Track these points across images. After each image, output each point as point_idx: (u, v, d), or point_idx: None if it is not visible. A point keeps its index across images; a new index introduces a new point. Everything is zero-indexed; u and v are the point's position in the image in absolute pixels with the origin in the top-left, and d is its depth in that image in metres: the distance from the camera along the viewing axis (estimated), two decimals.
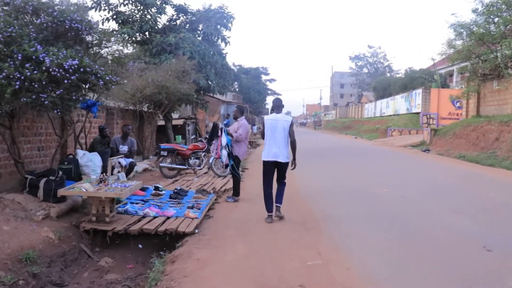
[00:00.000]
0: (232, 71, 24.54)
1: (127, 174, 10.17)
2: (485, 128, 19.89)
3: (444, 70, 42.99)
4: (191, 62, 16.77)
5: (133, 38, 20.38)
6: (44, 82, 6.35)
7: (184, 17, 21.35)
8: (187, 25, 21.27)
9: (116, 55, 8.44)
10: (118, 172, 8.44)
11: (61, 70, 6.44)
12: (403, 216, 7.94)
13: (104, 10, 19.56)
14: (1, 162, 8.74)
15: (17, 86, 6.21)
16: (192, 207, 7.96)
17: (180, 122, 23.48)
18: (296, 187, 10.86)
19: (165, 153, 12.88)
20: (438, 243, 6.27)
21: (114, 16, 19.59)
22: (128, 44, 20.21)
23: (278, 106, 7.68)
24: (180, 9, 20.86)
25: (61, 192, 6.67)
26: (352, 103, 72.71)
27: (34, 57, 6.45)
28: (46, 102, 6.43)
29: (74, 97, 6.95)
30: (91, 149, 10.20)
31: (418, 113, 35.84)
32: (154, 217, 7.29)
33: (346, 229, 7.00)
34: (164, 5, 20.19)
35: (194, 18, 21.21)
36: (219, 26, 21.17)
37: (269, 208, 7.45)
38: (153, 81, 14.94)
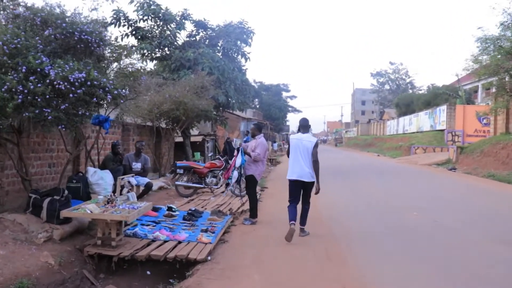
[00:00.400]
0: (252, 87, 24.09)
1: (142, 195, 9.72)
2: None
3: (468, 86, 42.02)
4: (209, 78, 16.37)
5: (152, 54, 20.16)
6: (47, 96, 5.95)
7: (204, 32, 21.05)
8: (207, 40, 20.97)
9: (129, 69, 7.98)
10: (128, 192, 7.95)
11: (66, 83, 6.04)
12: (440, 246, 7.17)
13: (124, 26, 19.40)
14: (9, 179, 8.38)
15: (19, 100, 5.83)
16: (206, 230, 7.44)
17: (199, 139, 23.10)
18: (319, 209, 10.25)
19: (181, 171, 12.41)
20: (490, 282, 5.52)
21: (133, 32, 19.40)
22: (147, 60, 20.08)
23: (304, 126, 7.75)
24: (200, 25, 20.58)
25: (64, 213, 6.21)
26: (373, 120, 71.76)
27: (39, 69, 6.07)
28: (49, 117, 6.01)
29: (80, 112, 6.51)
30: (102, 166, 9.79)
31: (442, 130, 34.90)
32: (165, 241, 6.78)
33: (373, 259, 6.36)
34: (183, 20, 19.95)
35: (214, 34, 20.91)
36: (239, 42, 20.83)
37: (292, 217, 7.35)
38: (171, 96, 14.57)
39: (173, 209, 8.99)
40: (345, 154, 42.23)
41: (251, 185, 8.79)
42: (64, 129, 6.59)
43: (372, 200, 11.87)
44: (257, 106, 59.79)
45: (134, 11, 19.07)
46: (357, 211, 10.26)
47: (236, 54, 21.22)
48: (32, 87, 5.83)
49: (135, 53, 19.18)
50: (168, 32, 19.68)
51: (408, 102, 50.10)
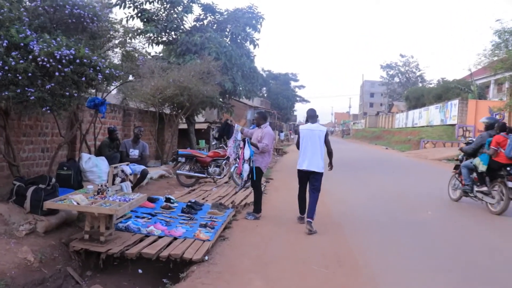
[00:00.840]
0: (260, 75, 23.36)
1: (138, 183, 9.14)
2: None
3: (480, 81, 41.06)
4: (216, 63, 15.71)
5: (159, 38, 19.52)
6: (30, 74, 5.33)
7: (212, 17, 20.35)
8: (215, 25, 20.27)
9: (127, 48, 7.35)
10: (122, 181, 7.36)
11: (51, 60, 5.42)
12: (462, 251, 6.49)
13: (129, 7, 18.75)
14: None
15: None
16: (205, 226, 6.85)
17: (204, 126, 22.53)
18: (328, 206, 9.67)
19: (183, 160, 11.83)
20: None
21: (139, 14, 18.75)
22: (153, 44, 19.45)
23: (312, 116, 7.78)
24: (208, 8, 19.86)
25: (47, 204, 5.61)
26: (382, 113, 70.88)
27: (22, 44, 5.45)
28: (32, 98, 5.40)
29: (68, 93, 5.87)
30: (98, 152, 9.22)
31: (453, 125, 34.07)
32: (159, 237, 6.20)
33: (390, 267, 5.73)
34: (191, 3, 19.24)
35: (222, 18, 20.22)
36: (247, 28, 20.13)
37: (301, 210, 7.77)
38: (175, 81, 13.94)
39: (172, 200, 8.42)
40: (353, 146, 41.45)
41: (256, 177, 8.19)
42: (49, 111, 5.97)
43: (384, 198, 11.22)
44: (265, 95, 59.07)
45: None
46: (368, 209, 9.62)
47: (244, 40, 20.54)
48: (13, 63, 5.22)
49: (140, 36, 18.73)
50: (175, 16, 19.01)
51: (418, 96, 49.19)
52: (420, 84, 68.50)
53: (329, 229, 7.62)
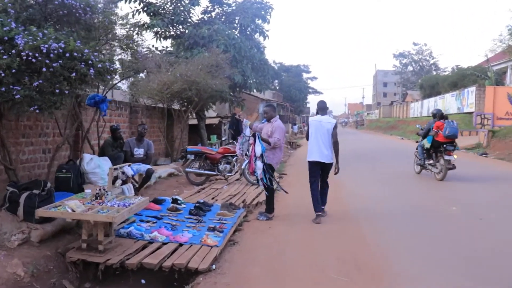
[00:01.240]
0: (271, 67, 22.75)
1: (143, 184, 8.68)
2: None
3: (496, 67, 39.88)
4: (224, 56, 15.19)
5: (166, 33, 19.06)
6: (14, 70, 4.87)
7: (220, 8, 19.82)
8: (223, 17, 19.75)
9: (125, 41, 6.86)
10: (122, 184, 6.90)
11: (37, 55, 4.95)
12: (498, 257, 5.84)
13: (135, 1, 18.30)
14: None
15: None
16: (213, 229, 6.37)
17: (216, 121, 22.05)
18: (345, 202, 9.17)
19: (192, 157, 11.36)
20: None
21: (145, 8, 18.29)
22: (161, 39, 19.00)
23: (322, 108, 7.80)
24: (215, 0, 19.32)
25: (39, 212, 5.17)
26: (396, 102, 69.77)
27: (7, 38, 4.99)
28: (18, 96, 4.94)
29: (57, 91, 5.39)
30: (101, 153, 8.78)
31: (470, 113, 33.09)
32: (164, 243, 5.74)
33: (417, 275, 5.17)
34: None
35: (230, 10, 19.68)
36: (257, 19, 19.55)
37: (317, 209, 7.52)
38: (182, 76, 13.46)
39: (179, 201, 7.96)
40: (367, 137, 40.68)
41: (268, 175, 7.68)
42: (39, 111, 5.51)
43: (404, 192, 10.67)
44: (277, 88, 58.39)
45: None
46: (387, 205, 9.07)
47: (254, 31, 20.00)
48: None
49: (147, 30, 18.28)
50: (181, 8, 18.50)
51: (433, 84, 48.07)
52: (434, 72, 67.16)
53: (346, 228, 7.12)
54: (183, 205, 7.85)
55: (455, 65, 58.41)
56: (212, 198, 9.00)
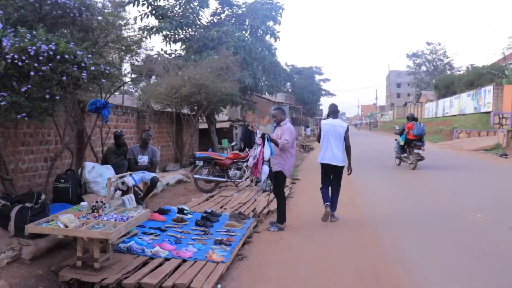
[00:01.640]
0: (282, 69, 22.18)
1: (148, 193, 8.27)
2: None
3: None
4: (234, 58, 14.76)
5: (176, 36, 18.71)
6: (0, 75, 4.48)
7: (229, 10, 19.41)
8: (233, 19, 19.34)
9: (125, 42, 6.44)
10: (122, 195, 6.48)
11: (24, 58, 4.55)
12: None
13: (143, 5, 17.98)
14: None
15: None
16: (220, 242, 5.93)
17: (227, 125, 21.62)
18: (361, 209, 8.72)
19: (200, 163, 10.94)
20: None
21: (153, 11, 17.96)
22: (170, 43, 18.66)
23: (334, 112, 7.96)
24: (224, 1, 18.91)
25: (29, 228, 4.76)
26: (410, 103, 68.82)
27: None
28: (3, 103, 4.54)
29: (48, 96, 4.98)
30: (104, 160, 8.39)
31: (488, 112, 32.28)
32: (166, 259, 5.30)
33: (439, 282, 4.69)
34: None
35: (240, 11, 19.25)
36: (268, 21, 19.09)
37: (326, 200, 7.68)
38: (190, 79, 13.06)
39: (185, 211, 7.54)
40: (382, 139, 39.83)
41: (278, 183, 7.20)
42: (27, 119, 5.11)
43: (422, 197, 10.13)
44: (289, 90, 57.87)
45: None
46: (407, 213, 8.55)
47: (264, 33, 19.56)
48: None
49: (156, 34, 17.95)
50: (190, 11, 18.12)
51: (448, 83, 47.24)
52: (449, 72, 66.10)
53: (363, 237, 6.70)
54: (189, 215, 7.43)
55: (469, 64, 57.46)
56: (221, 207, 8.55)
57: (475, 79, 39.78)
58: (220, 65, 14.23)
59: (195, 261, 5.25)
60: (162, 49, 18.40)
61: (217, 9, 19.32)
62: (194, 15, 18.19)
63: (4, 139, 7.15)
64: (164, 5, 18.11)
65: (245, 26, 19.32)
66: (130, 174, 6.89)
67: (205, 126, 17.90)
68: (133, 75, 16.13)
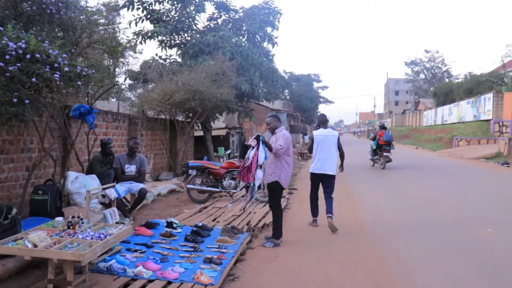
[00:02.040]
0: (280, 76, 21.66)
1: (135, 205, 7.76)
2: None
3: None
4: (229, 63, 14.31)
5: (172, 41, 18.28)
6: None
7: (226, 15, 19.01)
8: (230, 24, 18.93)
9: (109, 42, 5.95)
10: (103, 208, 5.98)
11: None
12: None
13: (138, 9, 17.57)
14: None
15: None
16: (210, 260, 5.42)
17: (223, 132, 21.14)
18: (362, 221, 8.25)
19: (193, 172, 10.43)
20: None
21: (148, 16, 17.55)
22: (166, 48, 18.23)
23: (323, 121, 8.11)
24: (221, 6, 18.52)
25: None
26: (409, 111, 68.57)
27: None
28: None
29: (15, 100, 4.47)
30: (90, 170, 7.88)
31: (488, 120, 31.89)
32: (149, 281, 4.79)
33: None
34: (203, 1, 17.92)
35: (237, 17, 18.85)
36: (265, 26, 18.67)
37: (314, 214, 7.99)
38: (184, 84, 12.59)
39: (175, 225, 7.03)
40: None
41: (274, 194, 6.69)
42: None
43: (426, 209, 9.63)
44: (287, 97, 57.50)
45: None
46: (410, 224, 8.06)
47: (262, 39, 19.16)
48: None
49: (151, 39, 17.51)
50: (186, 15, 17.69)
51: (447, 91, 46.95)
52: (447, 80, 65.89)
53: (366, 253, 6.22)
54: (179, 229, 6.93)
55: (467, 72, 57.24)
56: (214, 220, 8.05)
57: (474, 86, 39.47)
58: (215, 70, 13.81)
59: (181, 283, 4.75)
60: (157, 54, 17.88)
61: (213, 13, 18.96)
62: (190, 19, 17.80)
63: None
64: (160, 10, 17.74)
65: (242, 32, 18.95)
66: (113, 186, 6.37)
67: (201, 133, 17.43)
68: (128, 81, 15.77)
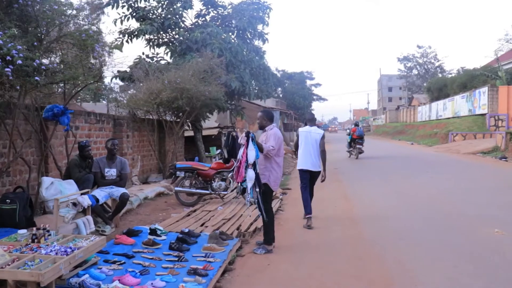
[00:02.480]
0: (271, 72, 21.04)
1: (117, 212, 7.24)
2: None
3: (506, 66, 38.19)
4: (217, 60, 13.79)
5: (159, 40, 17.74)
6: None
7: (214, 12, 18.48)
8: (218, 20, 18.41)
9: (81, 35, 5.41)
10: (73, 218, 5.45)
11: None
12: None
13: (123, 7, 17.00)
14: None
15: None
16: (195, 271, 4.92)
17: (215, 132, 20.63)
18: (359, 221, 7.80)
19: (181, 174, 9.93)
20: None
21: (134, 13, 16.99)
22: (154, 47, 17.69)
23: (311, 119, 8.24)
24: (208, 2, 17.97)
25: None
26: (403, 107, 68.32)
27: None
28: None
29: None
30: (67, 175, 7.34)
31: (483, 114, 31.51)
32: None
33: None
34: None
35: (226, 13, 18.33)
36: (255, 22, 18.14)
37: (307, 211, 7.78)
38: (170, 83, 12.07)
39: (159, 232, 6.51)
40: (375, 144, 38.84)
41: (264, 198, 6.18)
42: None
43: (426, 208, 9.16)
44: (280, 95, 57.06)
45: None
46: (410, 225, 7.59)
47: (253, 36, 18.65)
48: None
49: (138, 38, 16.98)
50: (173, 12, 17.14)
51: (441, 86, 46.62)
52: (440, 75, 65.75)
53: (363, 257, 5.79)
54: (163, 237, 6.41)
55: (460, 67, 57.11)
56: (202, 225, 7.53)
57: (468, 81, 39.12)
58: (203, 67, 13.30)
59: None
60: (143, 53, 17.33)
61: (201, 10, 18.43)
62: (177, 16, 17.24)
63: None
64: (145, 7, 17.18)
65: (231, 28, 18.44)
66: (87, 193, 5.85)
67: (192, 133, 16.91)
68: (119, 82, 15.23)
